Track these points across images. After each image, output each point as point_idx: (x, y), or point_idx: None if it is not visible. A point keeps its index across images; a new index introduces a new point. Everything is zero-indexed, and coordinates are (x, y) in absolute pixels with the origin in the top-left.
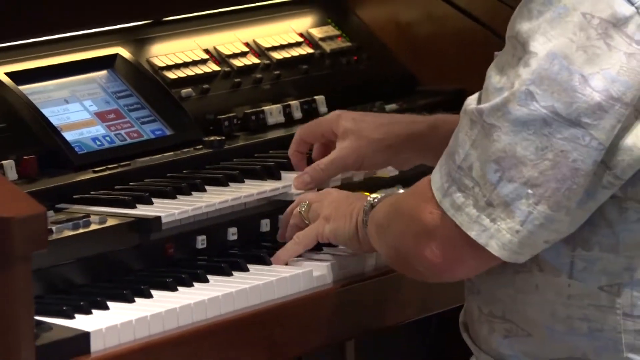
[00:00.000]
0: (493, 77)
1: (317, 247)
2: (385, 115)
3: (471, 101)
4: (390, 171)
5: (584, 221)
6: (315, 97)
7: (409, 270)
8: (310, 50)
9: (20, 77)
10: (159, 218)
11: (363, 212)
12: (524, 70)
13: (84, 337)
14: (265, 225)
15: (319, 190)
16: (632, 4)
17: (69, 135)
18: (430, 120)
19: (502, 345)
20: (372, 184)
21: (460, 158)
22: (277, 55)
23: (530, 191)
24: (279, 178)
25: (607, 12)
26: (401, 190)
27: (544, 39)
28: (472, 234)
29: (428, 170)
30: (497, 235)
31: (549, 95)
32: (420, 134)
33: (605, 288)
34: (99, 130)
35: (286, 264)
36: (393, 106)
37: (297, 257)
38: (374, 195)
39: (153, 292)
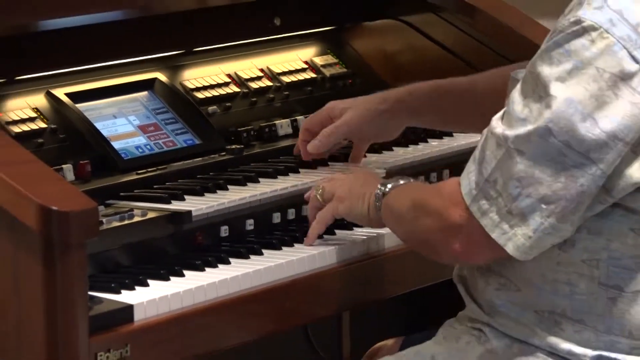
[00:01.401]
0: (517, 105)
1: (330, 231)
2: (375, 94)
3: (496, 123)
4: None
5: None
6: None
7: (430, 254)
8: (314, 75)
9: (77, 97)
10: (190, 212)
11: (375, 198)
12: (545, 110)
13: (128, 309)
14: (276, 217)
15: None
16: (637, 62)
17: (116, 144)
18: (404, 89)
19: (494, 295)
20: None
21: (487, 172)
22: (286, 79)
23: (544, 206)
24: (287, 177)
25: (617, 69)
26: (412, 180)
27: (564, 86)
28: (494, 235)
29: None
30: (514, 238)
31: (565, 133)
32: (403, 100)
33: (586, 261)
34: (140, 140)
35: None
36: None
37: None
38: (385, 183)
39: (185, 272)
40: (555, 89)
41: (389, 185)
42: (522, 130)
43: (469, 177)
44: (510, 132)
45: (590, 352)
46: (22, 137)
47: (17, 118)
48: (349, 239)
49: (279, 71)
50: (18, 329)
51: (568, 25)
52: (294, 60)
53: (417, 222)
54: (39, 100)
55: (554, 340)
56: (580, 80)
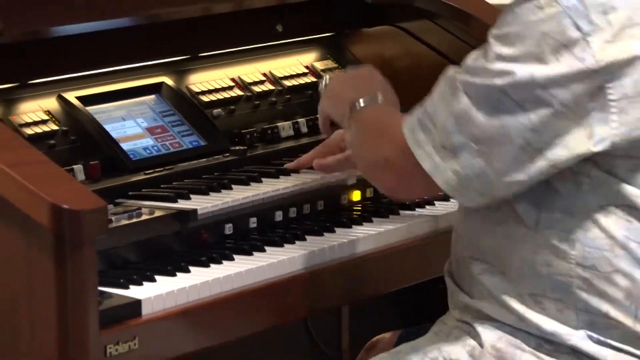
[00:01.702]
0: (470, 58)
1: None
2: None
3: (450, 69)
4: None
5: (519, 190)
6: (318, 115)
7: (373, 182)
8: (314, 79)
9: (87, 100)
10: (195, 210)
11: (349, 110)
12: (491, 64)
13: (136, 303)
14: (278, 215)
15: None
16: (580, 31)
17: (125, 146)
18: None
19: (479, 282)
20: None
21: (430, 107)
22: (288, 83)
23: (474, 145)
24: (288, 177)
25: (561, 35)
26: (380, 98)
27: (510, 45)
28: (425, 166)
29: None
30: (444, 172)
31: (506, 83)
32: None
33: (563, 242)
34: (148, 141)
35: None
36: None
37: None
38: (363, 98)
39: (191, 268)
40: (501, 48)
41: (362, 102)
42: (468, 77)
43: (413, 114)
44: (460, 76)
45: (574, 332)
46: (35, 139)
47: (30, 120)
48: (348, 237)
49: (281, 75)
50: (31, 323)
51: None
52: (295, 65)
53: (364, 149)
54: (51, 103)
55: (538, 320)
56: (524, 42)
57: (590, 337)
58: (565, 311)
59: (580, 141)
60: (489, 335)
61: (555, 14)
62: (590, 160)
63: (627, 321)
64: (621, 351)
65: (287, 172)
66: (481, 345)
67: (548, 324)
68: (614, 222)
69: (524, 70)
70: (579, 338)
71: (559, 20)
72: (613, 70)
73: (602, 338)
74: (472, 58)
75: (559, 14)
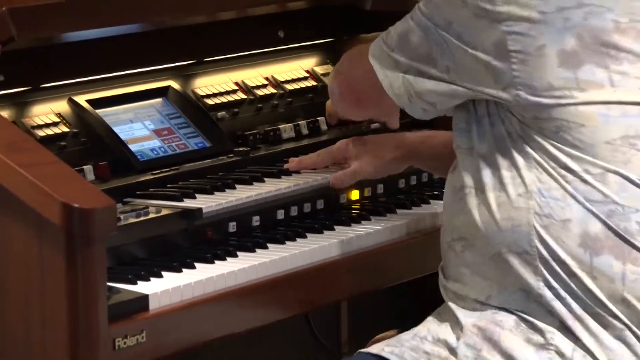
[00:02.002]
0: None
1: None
2: (386, 137)
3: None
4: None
5: (448, 109)
6: (318, 118)
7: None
8: (314, 83)
9: (97, 103)
10: (200, 209)
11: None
12: (424, 8)
13: (144, 298)
14: (280, 214)
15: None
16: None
17: (133, 147)
18: (420, 136)
19: (460, 262)
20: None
21: (391, 30)
22: (289, 86)
23: (407, 62)
24: (290, 177)
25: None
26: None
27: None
28: (380, 76)
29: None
30: (392, 81)
31: (435, 17)
32: (416, 149)
33: (522, 195)
34: (155, 143)
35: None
36: (376, 125)
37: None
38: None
39: (196, 264)
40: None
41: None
42: (412, 14)
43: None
44: (412, 14)
45: (542, 285)
46: (46, 141)
47: (42, 123)
48: (347, 234)
49: (283, 79)
50: (43, 317)
51: None
52: (296, 70)
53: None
54: (62, 106)
55: (510, 278)
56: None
57: (551, 288)
58: (531, 263)
59: (488, 83)
60: (473, 315)
61: None
62: (525, 125)
63: (584, 267)
64: (577, 298)
65: (288, 173)
66: (464, 324)
67: (518, 281)
68: (560, 177)
69: (440, 15)
70: (543, 290)
71: None
72: (512, 23)
73: (559, 288)
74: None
75: None
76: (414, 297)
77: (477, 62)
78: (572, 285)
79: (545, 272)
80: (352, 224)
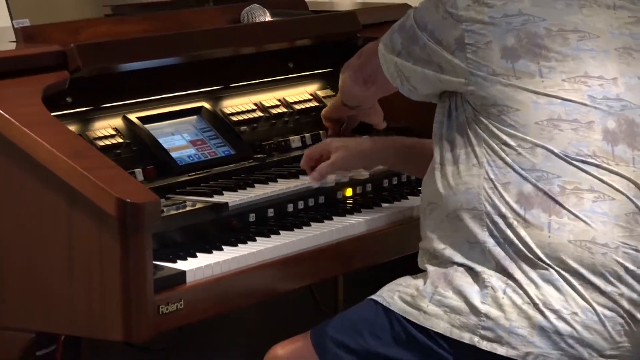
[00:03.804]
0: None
1: (328, 218)
2: (361, 138)
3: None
4: (363, 175)
5: (427, 95)
6: (320, 131)
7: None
8: (317, 104)
9: (146, 119)
10: (227, 203)
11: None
12: (416, 10)
13: (182, 274)
14: (290, 207)
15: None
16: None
17: (174, 154)
18: (389, 140)
19: (428, 227)
20: (353, 183)
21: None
22: (297, 106)
23: (399, 47)
24: (298, 179)
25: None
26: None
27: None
28: (379, 54)
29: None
30: (388, 60)
31: (417, 18)
32: (383, 149)
33: (475, 165)
34: (191, 151)
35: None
36: (366, 136)
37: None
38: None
39: (223, 247)
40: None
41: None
42: (404, 18)
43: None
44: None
45: (486, 235)
46: (105, 149)
47: (102, 135)
48: (343, 223)
49: (292, 101)
50: (102, 290)
51: None
52: (302, 93)
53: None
54: (118, 122)
55: (460, 232)
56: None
57: (493, 237)
58: (478, 216)
59: (449, 71)
60: (435, 264)
61: None
62: (476, 111)
63: (519, 218)
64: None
65: (296, 175)
66: (429, 270)
67: (465, 235)
68: (501, 151)
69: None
70: (487, 238)
71: None
72: (469, 24)
73: (499, 236)
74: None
75: None
76: (396, 271)
77: (442, 54)
78: (509, 233)
79: (489, 223)
80: (347, 215)
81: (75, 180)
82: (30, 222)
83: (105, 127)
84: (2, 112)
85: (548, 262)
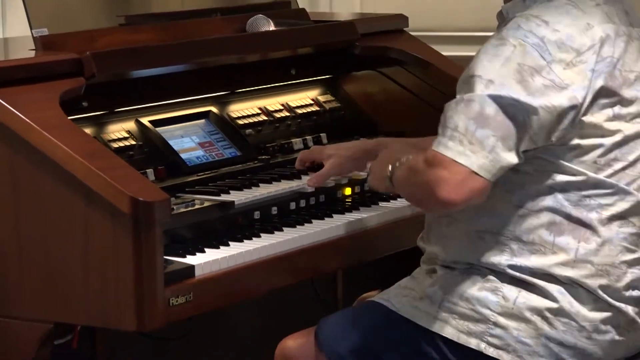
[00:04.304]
0: (461, 88)
1: (329, 215)
2: (350, 142)
3: (450, 101)
4: (361, 175)
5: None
6: (321, 134)
7: (429, 207)
8: (318, 109)
9: (157, 123)
10: (233, 202)
11: (390, 168)
12: (484, 86)
13: (191, 268)
14: (292, 205)
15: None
16: (545, 60)
17: (183, 155)
18: (374, 142)
19: (445, 234)
20: (351, 182)
21: (450, 123)
22: (299, 111)
23: (491, 132)
24: (299, 179)
25: (532, 63)
26: (410, 157)
27: (498, 73)
28: (461, 160)
29: None
30: (477, 160)
31: (501, 94)
32: (372, 150)
33: (505, 192)
34: (200, 152)
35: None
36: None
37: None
38: (394, 162)
39: (230, 243)
40: (491, 76)
41: (400, 162)
42: (470, 94)
43: (437, 139)
44: (464, 95)
45: (505, 260)
46: (119, 151)
47: (115, 137)
48: (342, 220)
49: (294, 105)
50: (116, 283)
51: (494, 41)
52: (304, 98)
53: (413, 185)
54: (130, 125)
55: (481, 252)
56: (508, 70)
57: (512, 267)
58: (500, 242)
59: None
60: (443, 270)
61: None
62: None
63: (547, 245)
64: (536, 275)
65: (298, 175)
66: (438, 278)
67: (488, 255)
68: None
69: (506, 91)
70: (508, 266)
71: (529, 53)
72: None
73: (523, 264)
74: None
75: (528, 47)
76: (392, 265)
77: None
78: (532, 260)
79: (512, 248)
80: (346, 213)
81: (91, 179)
82: (49, 220)
83: (119, 130)
84: (22, 116)
85: (561, 279)
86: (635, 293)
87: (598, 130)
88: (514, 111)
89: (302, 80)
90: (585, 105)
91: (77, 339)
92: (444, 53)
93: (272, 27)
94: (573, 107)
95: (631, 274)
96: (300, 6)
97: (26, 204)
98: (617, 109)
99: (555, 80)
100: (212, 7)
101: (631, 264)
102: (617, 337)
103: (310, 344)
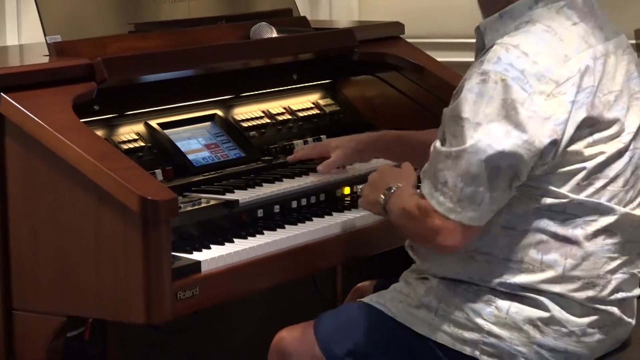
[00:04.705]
0: (449, 135)
1: (328, 214)
2: (354, 135)
3: (439, 146)
4: (359, 170)
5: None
6: (321, 136)
7: (425, 244)
8: (319, 112)
9: (165, 125)
10: (237, 200)
11: (382, 197)
12: (471, 135)
13: (197, 264)
14: (294, 204)
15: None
16: (526, 92)
17: (190, 156)
18: (377, 134)
19: (432, 251)
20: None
21: (441, 177)
22: (301, 114)
23: (481, 189)
24: (301, 178)
25: (514, 96)
26: (399, 186)
27: (482, 118)
28: (452, 216)
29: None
30: (467, 214)
31: (490, 141)
32: (374, 144)
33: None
34: (206, 154)
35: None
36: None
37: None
38: (384, 193)
39: (234, 239)
40: (478, 118)
41: (383, 197)
42: (458, 147)
43: (429, 191)
44: (453, 148)
45: (496, 280)
46: (129, 152)
47: (125, 139)
48: (341, 218)
49: (296, 109)
50: (126, 278)
51: (475, 77)
52: (305, 102)
53: (408, 228)
54: (140, 127)
55: (472, 270)
56: (493, 108)
57: (502, 284)
58: (492, 262)
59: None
60: (435, 280)
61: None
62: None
63: (534, 263)
64: (526, 289)
65: (300, 174)
66: (432, 287)
67: (478, 273)
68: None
69: (491, 138)
70: (498, 284)
71: (510, 87)
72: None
73: (512, 281)
74: (452, 130)
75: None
76: (386, 261)
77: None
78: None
79: (501, 269)
80: (345, 211)
81: (102, 179)
82: (62, 218)
83: (129, 132)
84: (36, 118)
85: (549, 294)
86: (619, 295)
87: (579, 157)
88: (499, 163)
89: (303, 85)
90: (566, 137)
91: (89, 331)
92: (438, 58)
93: (274, 34)
94: (554, 143)
95: (615, 280)
96: (302, 14)
97: (41, 203)
98: (597, 135)
99: (538, 111)
100: (218, 15)
101: (615, 270)
102: (603, 337)
103: (306, 337)
